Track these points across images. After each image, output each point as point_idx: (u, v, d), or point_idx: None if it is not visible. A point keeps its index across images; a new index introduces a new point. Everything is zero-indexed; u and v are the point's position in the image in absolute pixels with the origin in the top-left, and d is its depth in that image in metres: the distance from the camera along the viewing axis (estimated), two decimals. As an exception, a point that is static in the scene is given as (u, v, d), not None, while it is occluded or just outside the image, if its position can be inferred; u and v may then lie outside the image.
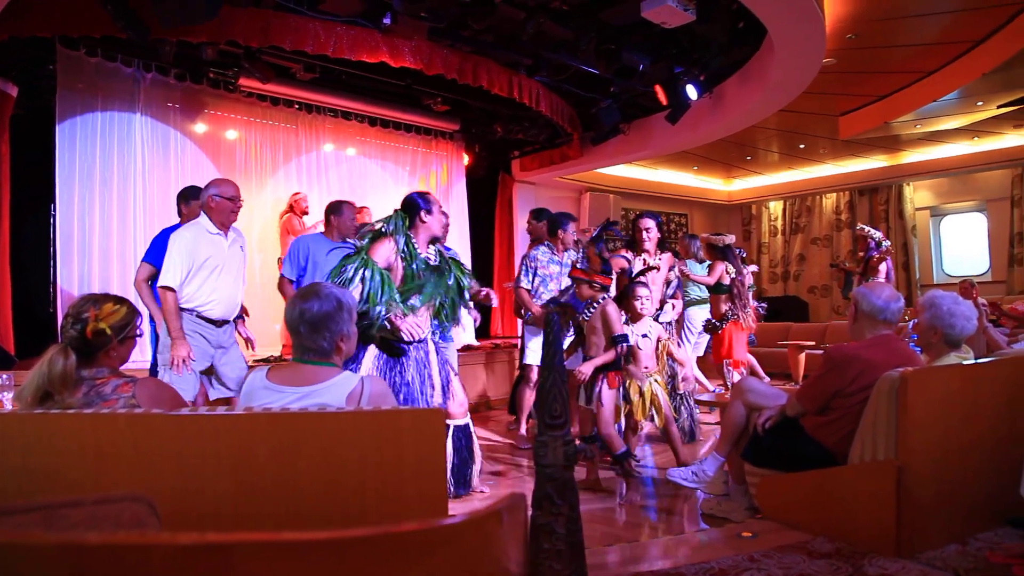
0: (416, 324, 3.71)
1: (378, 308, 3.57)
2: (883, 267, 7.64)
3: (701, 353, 7.33)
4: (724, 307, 6.52)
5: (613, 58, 6.96)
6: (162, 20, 5.04)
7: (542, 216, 6.20)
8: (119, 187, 7.23)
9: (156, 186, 7.46)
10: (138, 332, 2.53)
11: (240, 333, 4.50)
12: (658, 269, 5.35)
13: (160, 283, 3.96)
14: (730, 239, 6.88)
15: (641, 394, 4.40)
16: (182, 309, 3.99)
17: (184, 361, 3.90)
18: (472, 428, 4.18)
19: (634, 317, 4.53)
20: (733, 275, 6.61)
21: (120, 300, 2.49)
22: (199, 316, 4.06)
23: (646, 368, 4.45)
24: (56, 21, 5.45)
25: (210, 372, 4.17)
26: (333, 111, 8.96)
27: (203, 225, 4.11)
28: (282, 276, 5.09)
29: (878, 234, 7.61)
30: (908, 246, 12.66)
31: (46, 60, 6.71)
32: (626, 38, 6.87)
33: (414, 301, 3.78)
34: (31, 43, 5.91)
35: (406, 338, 3.70)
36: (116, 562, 0.83)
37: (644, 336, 4.53)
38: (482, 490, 4.19)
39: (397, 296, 3.68)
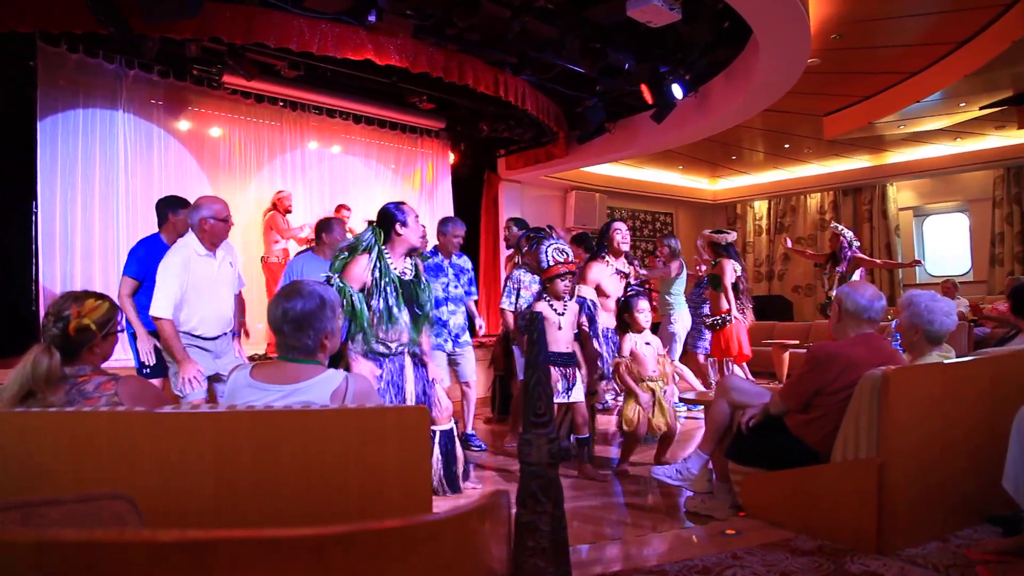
0: (371, 374, 3.71)
1: (348, 339, 3.60)
2: (858, 272, 7.69)
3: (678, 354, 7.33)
4: (728, 304, 6.58)
5: (598, 57, 6.96)
6: (146, 15, 5.00)
7: (521, 224, 6.20)
8: (101, 185, 7.18)
9: (139, 184, 7.40)
10: (119, 328, 2.52)
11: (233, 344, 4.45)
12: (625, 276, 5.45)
13: (152, 312, 3.85)
14: (732, 237, 6.91)
15: (657, 400, 4.60)
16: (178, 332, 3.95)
17: (196, 378, 3.86)
18: (456, 432, 4.20)
19: (635, 328, 4.72)
20: (739, 273, 6.67)
21: (100, 296, 2.47)
22: (196, 335, 4.03)
23: (653, 370, 4.65)
24: (36, 16, 5.37)
25: (217, 379, 4.14)
26: (318, 109, 8.92)
27: (192, 247, 3.99)
28: None
29: (850, 233, 7.65)
30: (891, 246, 12.74)
31: (26, 56, 6.64)
32: (611, 37, 6.88)
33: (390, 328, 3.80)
34: (10, 38, 5.84)
35: (380, 350, 3.72)
36: (96, 560, 0.82)
37: (647, 344, 4.72)
38: (474, 487, 4.21)
39: (367, 327, 3.69)
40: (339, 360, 3.71)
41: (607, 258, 5.49)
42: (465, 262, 5.53)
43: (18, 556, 0.81)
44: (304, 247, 6.61)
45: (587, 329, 4.72)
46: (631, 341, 4.70)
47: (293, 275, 4.97)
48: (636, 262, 6.03)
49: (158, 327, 3.88)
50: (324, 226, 5.26)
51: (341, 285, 3.62)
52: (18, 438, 2.01)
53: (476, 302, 5.68)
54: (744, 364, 7.20)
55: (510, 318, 5.43)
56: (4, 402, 2.21)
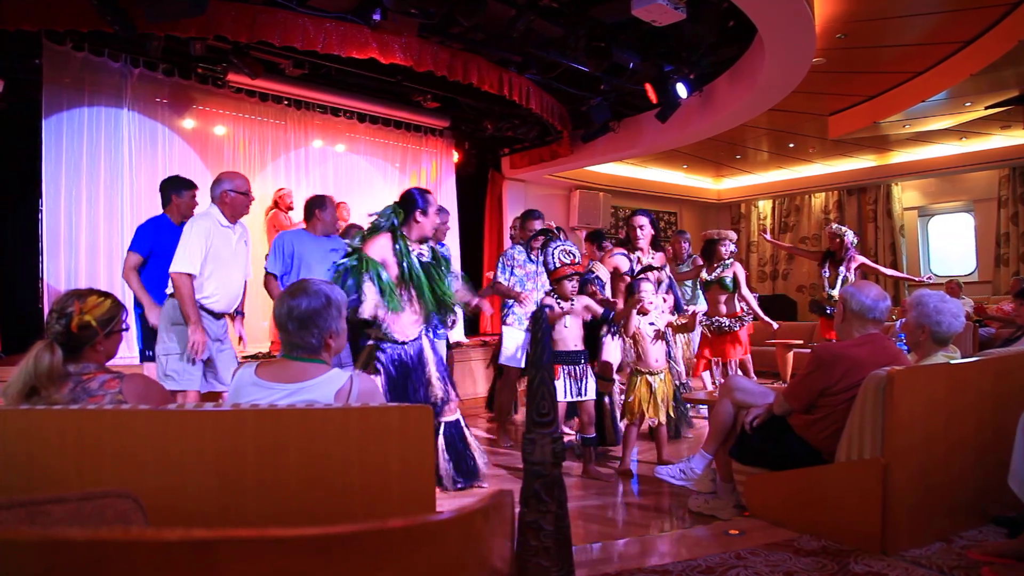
0: (407, 325, 3.76)
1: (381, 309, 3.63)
2: (853, 272, 7.66)
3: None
4: (741, 304, 6.61)
5: (603, 56, 6.95)
6: (149, 14, 5.01)
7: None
8: (106, 182, 7.19)
9: (144, 181, 7.41)
10: (123, 326, 2.52)
11: (233, 328, 4.50)
12: (659, 269, 5.42)
13: (175, 268, 3.89)
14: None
15: (652, 389, 4.57)
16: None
17: (203, 344, 3.91)
18: (464, 423, 4.20)
19: (641, 311, 4.69)
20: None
21: (104, 293, 2.48)
22: (202, 307, 4.05)
23: (656, 361, 4.63)
24: (41, 15, 5.39)
25: (208, 364, 4.15)
26: (322, 107, 8.92)
27: (215, 217, 4.09)
28: (267, 272, 4.89)
29: (851, 233, 7.62)
30: (896, 246, 12.71)
31: (32, 54, 6.65)
32: (616, 36, 6.87)
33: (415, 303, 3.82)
34: (16, 37, 5.86)
35: (398, 339, 3.74)
36: (100, 559, 0.82)
37: (651, 324, 4.69)
38: (480, 485, 4.20)
39: (395, 296, 3.71)
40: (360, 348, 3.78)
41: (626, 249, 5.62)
42: (447, 251, 5.56)
43: (23, 554, 0.81)
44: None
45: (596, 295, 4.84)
46: (636, 321, 4.69)
47: (283, 247, 4.86)
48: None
49: (177, 284, 3.90)
50: (318, 203, 5.05)
51: (364, 257, 3.65)
52: (23, 436, 2.01)
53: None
54: (747, 362, 7.21)
55: (503, 288, 5.51)
56: (9, 399, 2.22)
